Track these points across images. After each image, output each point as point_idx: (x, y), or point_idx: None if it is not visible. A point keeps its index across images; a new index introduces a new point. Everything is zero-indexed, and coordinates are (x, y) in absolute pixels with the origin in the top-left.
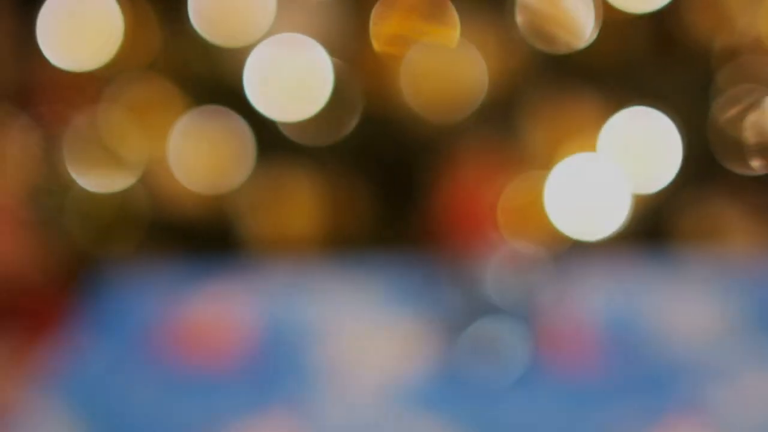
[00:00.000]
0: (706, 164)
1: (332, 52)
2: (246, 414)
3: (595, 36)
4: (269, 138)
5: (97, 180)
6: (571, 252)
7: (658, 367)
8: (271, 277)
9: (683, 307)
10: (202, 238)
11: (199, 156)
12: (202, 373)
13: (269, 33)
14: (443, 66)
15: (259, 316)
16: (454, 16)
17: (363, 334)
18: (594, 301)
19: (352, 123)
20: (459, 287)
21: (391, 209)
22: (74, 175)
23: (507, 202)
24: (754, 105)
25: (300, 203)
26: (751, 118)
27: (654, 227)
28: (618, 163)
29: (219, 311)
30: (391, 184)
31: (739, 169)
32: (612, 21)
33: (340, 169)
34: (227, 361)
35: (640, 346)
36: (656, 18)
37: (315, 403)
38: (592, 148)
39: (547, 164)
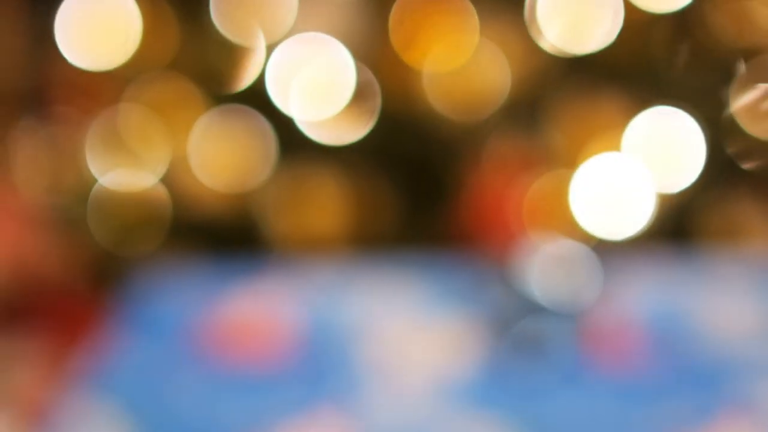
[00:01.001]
0: (730, 163)
1: (354, 51)
2: (294, 413)
3: (618, 36)
4: (291, 137)
5: (119, 179)
6: (602, 250)
7: (704, 364)
8: (311, 275)
9: (724, 304)
10: (225, 237)
11: (220, 155)
12: (247, 373)
13: (291, 32)
14: (465, 65)
15: (302, 315)
16: (474, 15)
17: (407, 332)
18: (637, 298)
19: (374, 122)
20: (502, 285)
21: (415, 209)
22: (96, 175)
23: (532, 201)
24: None
25: (323, 202)
26: None
27: (678, 226)
28: (642, 162)
29: (261, 310)
30: (414, 184)
31: (760, 168)
32: (635, 21)
33: (363, 168)
34: (272, 361)
35: (685, 343)
36: (679, 17)
37: (363, 402)
38: (617, 147)
39: (571, 164)
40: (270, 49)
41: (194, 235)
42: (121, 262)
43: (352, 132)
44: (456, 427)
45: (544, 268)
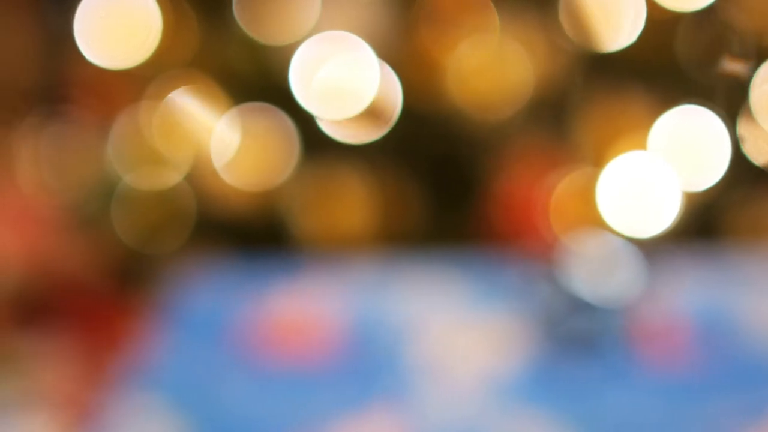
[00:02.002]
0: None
1: (378, 49)
2: (345, 411)
3: (643, 34)
4: (315, 135)
5: (143, 178)
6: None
7: (751, 362)
8: (352, 273)
9: (765, 301)
10: (249, 235)
11: (244, 153)
12: (295, 371)
13: (314, 30)
14: (489, 64)
15: (348, 313)
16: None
17: (454, 330)
18: (683, 295)
19: (398, 120)
20: (549, 283)
21: (440, 207)
22: (120, 174)
23: (559, 199)
24: None
25: (348, 200)
26: None
27: (704, 224)
28: (668, 160)
29: (306, 308)
30: (440, 182)
31: None
32: (660, 19)
33: (388, 167)
34: (320, 359)
35: (731, 340)
36: (704, 15)
37: (413, 399)
38: (643, 146)
39: (597, 162)
40: (294, 47)
41: (219, 234)
42: (146, 261)
43: (375, 130)
44: (506, 424)
45: (591, 265)
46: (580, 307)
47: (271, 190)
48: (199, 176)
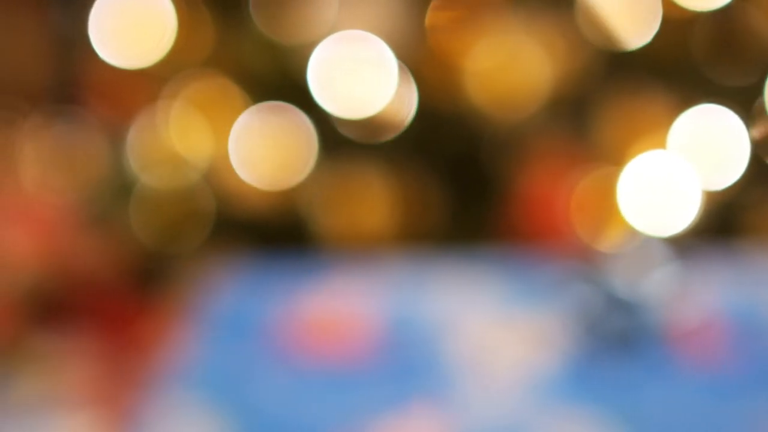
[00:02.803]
0: None
1: (396, 49)
2: (386, 409)
3: (662, 34)
4: (333, 134)
5: (161, 177)
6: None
7: None
8: (385, 271)
9: None
10: (268, 234)
11: (262, 152)
12: (333, 370)
13: (332, 30)
14: (508, 63)
15: (383, 311)
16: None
17: (491, 328)
18: (721, 292)
19: (417, 119)
20: (586, 281)
21: (460, 206)
22: (138, 173)
23: (580, 198)
24: None
25: (368, 199)
26: None
27: (723, 223)
28: (688, 159)
29: (341, 307)
30: (459, 181)
31: None
32: (678, 19)
33: (406, 165)
34: (357, 357)
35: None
36: (722, 14)
37: (454, 397)
38: (662, 145)
39: (617, 161)
40: (311, 46)
41: (238, 233)
42: (165, 260)
43: (393, 129)
44: (546, 421)
45: (628, 263)
46: (617, 305)
47: (291, 188)
48: (217, 175)
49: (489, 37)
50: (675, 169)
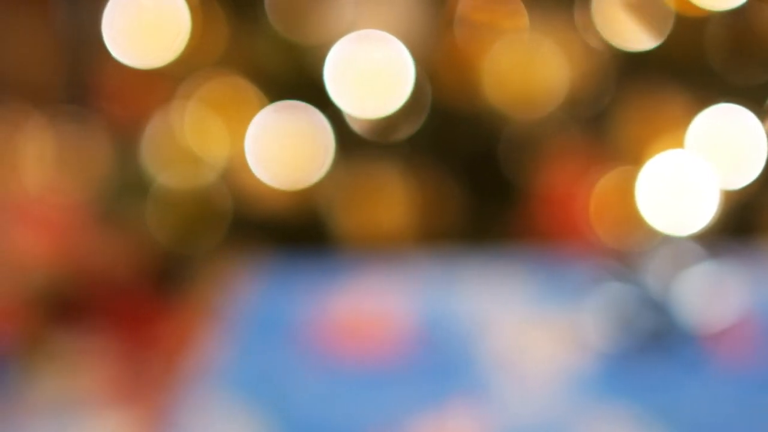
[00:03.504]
0: None
1: (413, 48)
2: (422, 408)
3: (676, 33)
4: (350, 133)
5: (178, 177)
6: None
7: None
8: (414, 270)
9: None
10: (286, 234)
11: (279, 152)
12: (367, 369)
13: (348, 29)
14: (525, 63)
15: (415, 310)
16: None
17: (524, 326)
18: (753, 290)
19: (433, 119)
20: (619, 280)
21: (477, 205)
22: (154, 173)
23: (598, 198)
24: None
25: (386, 198)
26: None
27: (742, 222)
28: (706, 159)
29: (372, 306)
30: (476, 181)
31: None
32: (694, 18)
33: (423, 165)
34: (391, 356)
35: None
36: (738, 14)
37: (491, 396)
38: (680, 144)
39: (635, 161)
40: (328, 45)
41: (255, 233)
42: (183, 260)
43: (410, 129)
44: (582, 420)
45: (661, 262)
46: (650, 304)
47: (308, 188)
48: (234, 175)
49: (506, 36)
50: (693, 168)
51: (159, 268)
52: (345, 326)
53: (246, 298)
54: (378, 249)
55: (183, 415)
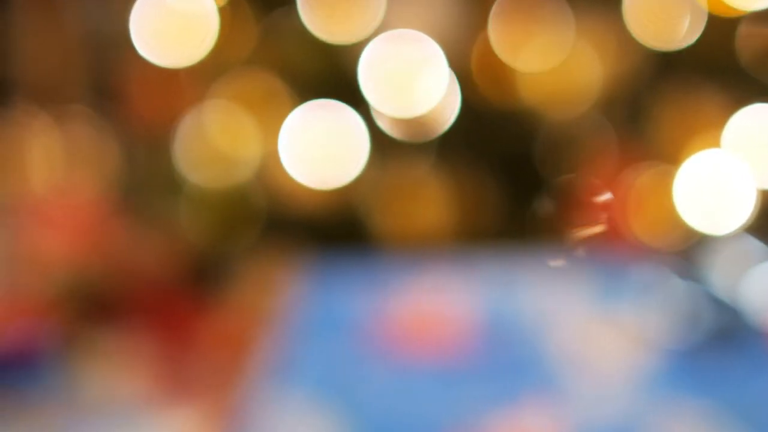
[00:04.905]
0: None
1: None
2: (495, 406)
3: (709, 33)
4: (383, 131)
5: (211, 176)
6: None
7: None
8: (473, 268)
9: None
10: (321, 232)
11: (313, 150)
12: (436, 366)
13: (380, 29)
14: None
15: (480, 308)
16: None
17: (591, 323)
18: None
19: (468, 118)
20: (684, 280)
21: (514, 204)
22: (187, 172)
23: (637, 197)
24: None
25: (422, 196)
26: None
27: None
28: (742, 158)
29: (436, 303)
30: (514, 180)
31: None
32: (726, 18)
33: (459, 163)
34: (460, 354)
35: None
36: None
37: (563, 393)
38: (716, 144)
39: (672, 160)
40: (361, 45)
41: (289, 231)
42: (218, 259)
43: (444, 127)
44: (655, 415)
45: (727, 262)
46: (716, 302)
47: (343, 187)
48: (268, 174)
49: (541, 35)
50: (729, 167)
51: (195, 267)
52: (410, 324)
53: (304, 297)
54: (415, 248)
55: (256, 414)
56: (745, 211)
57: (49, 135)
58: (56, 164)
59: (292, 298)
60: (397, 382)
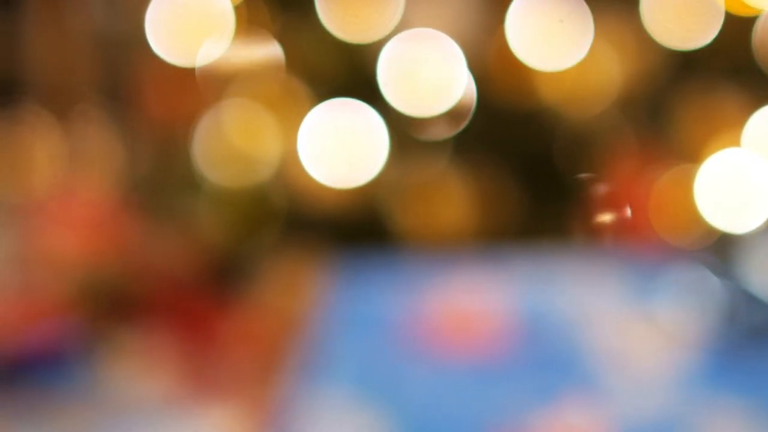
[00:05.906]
0: None
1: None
2: (535, 403)
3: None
4: (403, 130)
5: (231, 175)
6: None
7: None
8: (506, 266)
9: None
10: (342, 231)
11: (332, 149)
12: (475, 364)
13: (399, 28)
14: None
15: (515, 306)
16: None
17: (628, 321)
18: None
19: (487, 117)
20: (721, 278)
21: (534, 203)
22: (206, 171)
23: (658, 195)
24: None
25: (442, 196)
26: None
27: None
28: (763, 157)
29: (472, 302)
30: (534, 179)
31: None
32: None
33: (479, 162)
34: (498, 352)
35: None
36: None
37: (603, 390)
38: (737, 143)
39: (692, 159)
40: (380, 44)
41: (310, 230)
42: (239, 258)
43: (463, 126)
44: (695, 412)
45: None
46: (751, 299)
47: (363, 185)
48: (288, 173)
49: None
50: (750, 166)
51: (216, 266)
52: (446, 322)
53: (334, 296)
54: (436, 246)
55: (294, 413)
56: (765, 210)
57: (61, 135)
58: (68, 164)
59: (321, 297)
60: (436, 380)
